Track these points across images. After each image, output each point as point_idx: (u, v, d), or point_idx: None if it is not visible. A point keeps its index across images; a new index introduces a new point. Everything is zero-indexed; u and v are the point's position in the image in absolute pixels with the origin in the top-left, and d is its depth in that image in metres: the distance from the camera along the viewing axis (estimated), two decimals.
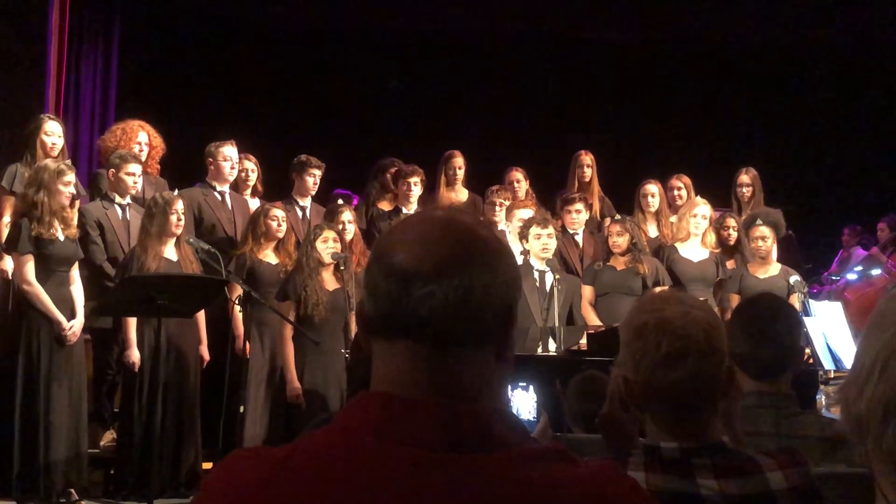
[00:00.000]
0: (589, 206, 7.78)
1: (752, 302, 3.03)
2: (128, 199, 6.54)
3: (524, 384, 4.87)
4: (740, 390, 2.57)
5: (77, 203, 6.32)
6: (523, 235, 6.82)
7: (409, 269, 1.22)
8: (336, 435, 1.23)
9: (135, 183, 6.49)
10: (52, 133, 6.46)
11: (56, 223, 5.76)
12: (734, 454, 2.06)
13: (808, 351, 5.05)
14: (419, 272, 1.21)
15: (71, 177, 5.81)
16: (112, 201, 6.55)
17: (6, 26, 7.85)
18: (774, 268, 7.07)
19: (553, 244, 6.79)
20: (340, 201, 7.28)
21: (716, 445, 2.04)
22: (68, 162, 5.97)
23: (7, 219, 6.29)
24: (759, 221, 7.08)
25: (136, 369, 5.97)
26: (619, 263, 7.00)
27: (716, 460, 2.00)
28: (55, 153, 6.41)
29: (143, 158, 6.89)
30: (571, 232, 7.52)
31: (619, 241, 6.97)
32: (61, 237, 5.81)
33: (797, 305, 6.43)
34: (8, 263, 6.11)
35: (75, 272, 5.95)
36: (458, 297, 1.20)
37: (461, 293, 1.21)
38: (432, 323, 1.20)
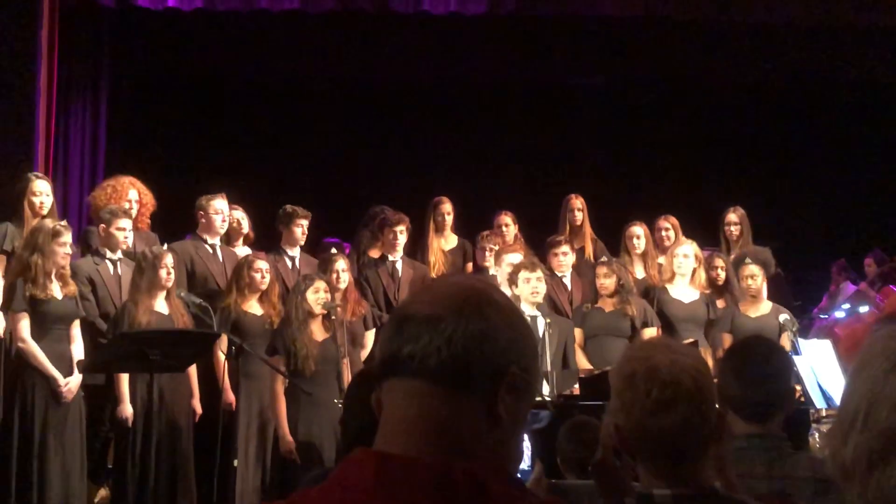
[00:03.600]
0: (576, 249, 7.82)
1: (742, 345, 3.05)
2: (119, 255, 6.55)
3: None
4: (731, 433, 2.58)
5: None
6: (512, 281, 6.83)
7: (407, 313, 1.30)
8: (332, 493, 1.24)
9: (125, 238, 6.51)
10: (40, 192, 6.49)
11: (51, 283, 5.77)
12: (726, 500, 2.07)
13: (798, 389, 5.07)
14: (414, 316, 1.29)
15: (67, 237, 5.84)
16: (103, 257, 6.57)
17: None
18: (765, 306, 7.09)
19: (543, 288, 6.80)
20: (334, 250, 7.30)
21: (708, 492, 2.05)
22: (64, 223, 6.01)
23: None
24: (748, 260, 7.12)
25: (129, 424, 5.95)
26: (608, 305, 7.02)
27: None
28: (44, 212, 6.43)
29: (134, 215, 6.91)
30: (559, 275, 7.53)
31: (607, 282, 7.00)
32: (59, 295, 5.82)
33: (787, 344, 6.45)
34: (0, 323, 6.10)
35: (75, 330, 5.96)
36: (442, 340, 1.26)
37: (445, 338, 1.26)
38: (415, 360, 1.26)
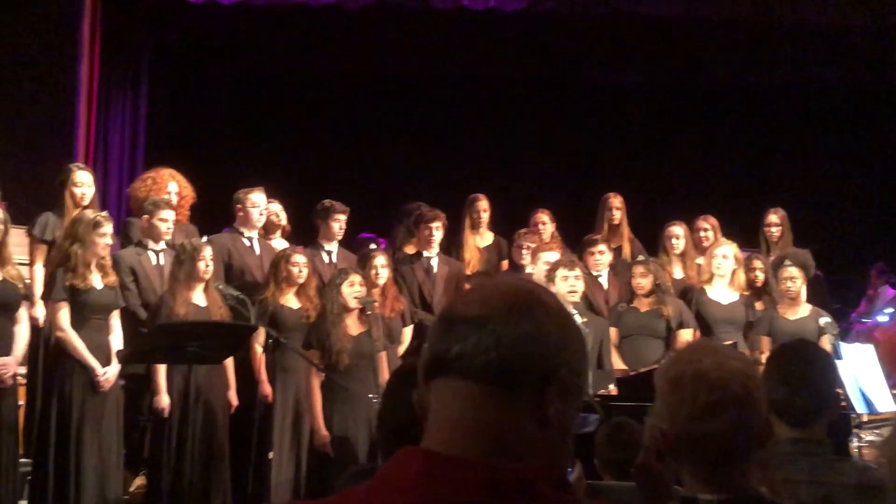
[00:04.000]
0: (613, 248, 7.78)
1: (786, 348, 3.01)
2: (161, 245, 6.60)
3: None
4: (775, 438, 2.56)
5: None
6: (550, 278, 6.79)
7: (455, 315, 1.29)
8: (378, 490, 1.24)
9: (168, 229, 6.56)
10: (82, 183, 6.55)
11: (91, 273, 5.82)
12: None
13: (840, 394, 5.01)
14: (462, 317, 1.28)
15: (107, 228, 5.88)
16: (146, 247, 6.63)
17: (36, 77, 7.99)
18: (804, 309, 7.01)
19: (580, 286, 6.77)
20: (373, 246, 7.31)
21: (754, 497, 2.03)
22: (105, 213, 6.05)
23: (39, 266, 6.37)
24: (787, 262, 7.04)
25: (166, 415, 5.99)
26: (643, 305, 6.98)
27: None
28: (85, 202, 6.49)
29: None
30: (595, 274, 7.50)
31: (643, 282, 6.96)
32: (99, 285, 5.87)
33: (827, 347, 6.36)
34: (40, 311, 6.17)
35: (115, 320, 6.00)
36: (491, 340, 1.25)
37: (494, 339, 1.25)
38: (463, 360, 1.25)
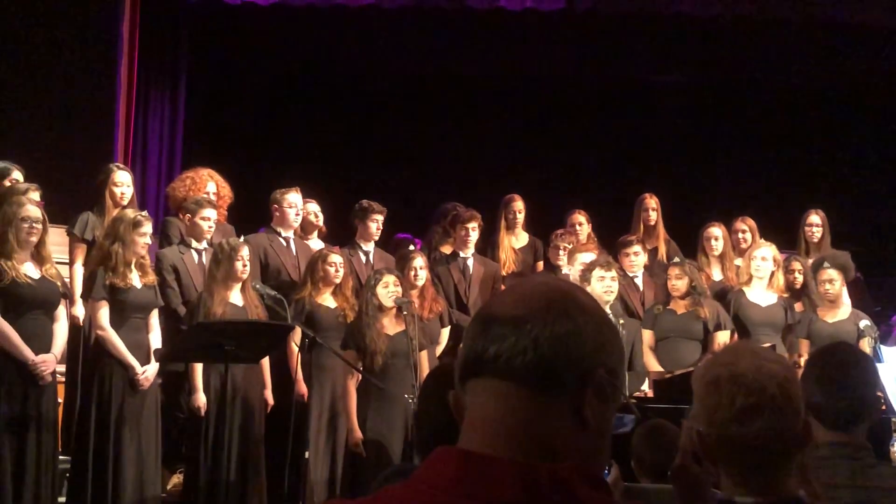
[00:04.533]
0: (649, 249, 7.75)
1: (827, 351, 2.98)
2: (203, 244, 6.65)
3: None
4: (815, 441, 2.53)
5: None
6: (585, 279, 6.77)
7: (493, 314, 1.29)
8: (415, 490, 1.24)
9: (210, 228, 6.62)
10: (122, 183, 6.62)
11: (130, 272, 5.87)
12: None
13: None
14: (499, 318, 1.28)
15: (147, 227, 5.94)
16: (188, 246, 6.69)
17: (76, 78, 8.08)
18: (844, 311, 6.94)
19: (616, 287, 6.75)
20: (412, 247, 7.33)
21: (792, 501, 2.01)
22: (145, 213, 6.10)
23: (79, 265, 6.44)
24: (826, 265, 6.98)
25: (203, 414, 6.03)
26: (679, 307, 6.93)
27: None
28: (125, 202, 6.56)
29: None
30: (631, 275, 7.47)
31: (679, 284, 6.91)
32: (138, 284, 5.92)
33: (867, 350, 6.30)
34: (79, 310, 6.24)
35: (154, 319, 6.05)
36: (528, 340, 1.24)
37: (531, 338, 1.24)
38: (500, 360, 1.25)
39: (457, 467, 1.22)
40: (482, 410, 1.27)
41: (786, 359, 2.41)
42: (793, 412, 2.01)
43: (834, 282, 6.91)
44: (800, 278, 7.30)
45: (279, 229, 7.20)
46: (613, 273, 6.74)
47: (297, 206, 7.20)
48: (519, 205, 7.98)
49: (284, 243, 7.19)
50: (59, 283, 5.77)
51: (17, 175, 6.62)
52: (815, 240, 7.85)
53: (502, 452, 1.23)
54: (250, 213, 7.89)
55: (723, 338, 6.82)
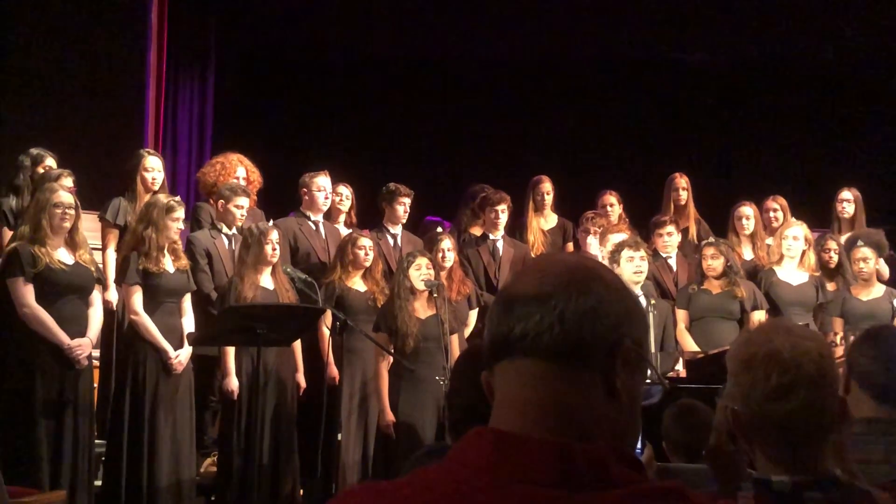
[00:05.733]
0: (681, 229, 7.70)
1: (880, 327, 2.95)
2: (234, 230, 6.68)
3: None
4: (851, 418, 2.51)
5: None
6: (614, 259, 6.74)
7: (515, 293, 1.29)
8: (449, 471, 1.24)
9: (242, 216, 6.66)
10: (153, 168, 6.65)
11: (163, 257, 5.91)
12: (848, 488, 2.01)
13: None
14: (522, 295, 1.28)
15: (180, 212, 5.98)
16: (220, 231, 6.72)
17: (106, 65, 8.13)
18: (878, 289, 6.89)
19: (645, 267, 6.71)
20: (440, 229, 7.33)
21: (828, 478, 2.00)
22: (178, 198, 6.13)
23: (111, 251, 6.49)
24: (860, 242, 6.92)
25: (235, 397, 6.08)
26: (715, 287, 6.89)
27: (829, 495, 1.96)
28: (156, 187, 6.59)
29: None
30: (664, 256, 7.43)
31: (714, 263, 6.87)
32: (171, 269, 5.96)
33: None
34: (112, 295, 6.29)
35: (187, 303, 6.09)
36: (554, 317, 1.25)
37: (557, 314, 1.25)
38: (527, 339, 1.25)
39: (491, 448, 1.22)
40: (512, 391, 1.27)
41: (821, 336, 2.39)
42: (829, 390, 2.00)
43: (868, 260, 6.85)
44: (835, 257, 7.24)
45: (308, 213, 7.22)
46: (642, 253, 6.71)
47: (325, 189, 7.22)
48: (547, 186, 7.95)
49: (314, 227, 7.22)
50: (93, 269, 5.82)
51: (50, 161, 6.67)
52: (848, 216, 7.76)
53: (535, 432, 1.23)
54: (280, 197, 7.92)
55: (759, 317, 6.78)
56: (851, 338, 6.35)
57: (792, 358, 1.97)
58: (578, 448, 1.20)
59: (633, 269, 6.62)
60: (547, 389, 1.25)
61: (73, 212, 5.70)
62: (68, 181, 6.24)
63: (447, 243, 6.78)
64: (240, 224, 6.65)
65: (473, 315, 7.01)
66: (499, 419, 1.27)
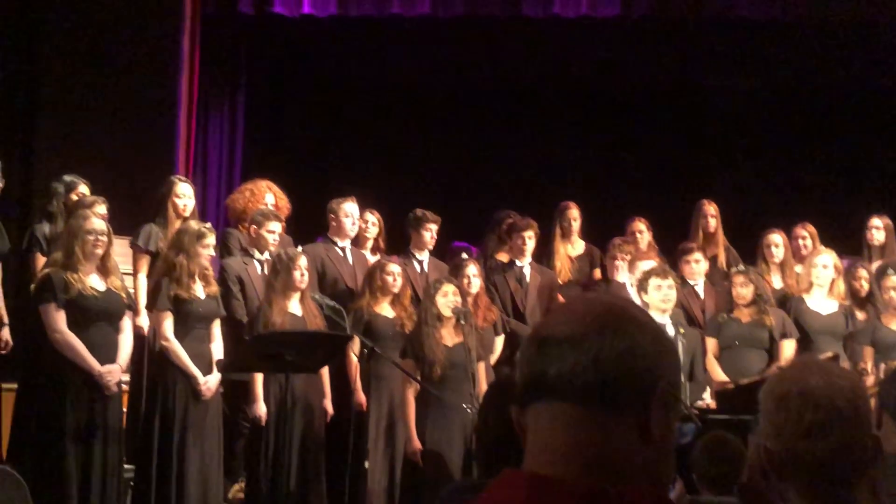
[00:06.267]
0: (710, 256, 7.67)
1: None
2: (266, 255, 6.71)
3: None
4: (884, 456, 2.49)
5: None
6: (642, 287, 6.72)
7: (546, 335, 1.29)
8: None
9: (275, 241, 6.69)
10: (184, 195, 6.72)
11: (194, 283, 5.96)
12: None
13: None
14: (555, 336, 1.27)
15: (211, 239, 6.04)
16: (252, 257, 6.77)
17: (138, 93, 8.21)
18: None
19: (674, 295, 6.68)
20: (465, 255, 7.34)
21: None
22: (209, 225, 6.19)
23: (142, 276, 6.54)
24: (890, 271, 6.86)
25: (263, 423, 6.10)
26: (744, 315, 6.85)
27: None
28: (186, 213, 6.65)
29: None
30: (692, 283, 7.40)
31: (744, 291, 6.83)
32: (202, 295, 6.01)
33: None
34: (144, 321, 6.34)
35: (216, 329, 6.13)
36: (588, 360, 1.24)
37: (592, 356, 1.24)
38: (562, 382, 1.25)
39: (525, 491, 1.22)
40: (546, 434, 1.27)
41: (855, 374, 2.38)
42: (863, 428, 1.99)
43: None
44: (866, 286, 7.17)
45: (336, 239, 7.25)
46: (670, 281, 6.68)
47: (353, 215, 7.25)
48: (574, 213, 7.94)
49: (341, 253, 7.24)
50: (123, 295, 5.88)
51: (83, 188, 6.75)
52: (878, 244, 7.70)
53: (569, 476, 1.23)
54: (308, 224, 7.96)
55: (789, 347, 6.74)
56: (882, 366, 6.32)
57: (826, 396, 1.96)
58: (613, 492, 1.20)
59: (661, 297, 6.59)
60: (581, 434, 1.25)
61: (105, 238, 5.76)
62: (102, 208, 6.31)
63: (472, 269, 6.78)
64: (272, 249, 6.68)
65: (499, 342, 7.00)
66: (532, 462, 1.27)
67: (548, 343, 1.27)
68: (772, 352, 6.74)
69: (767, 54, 9.76)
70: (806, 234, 7.71)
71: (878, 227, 7.72)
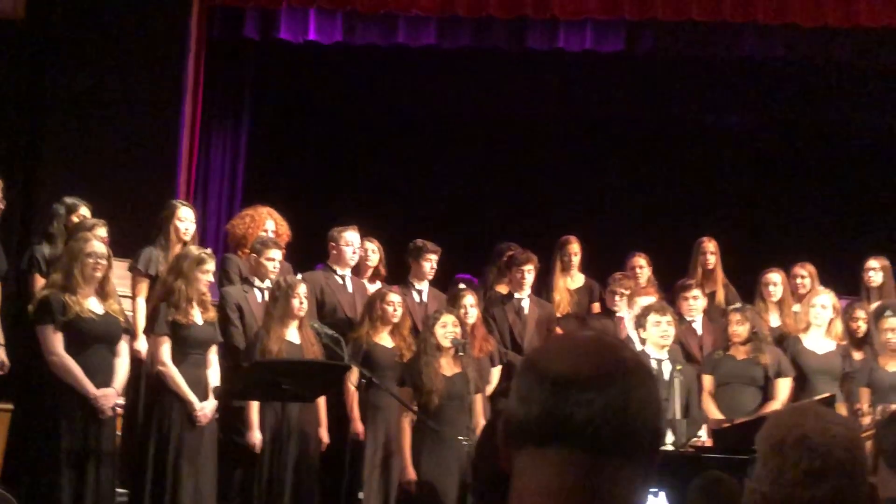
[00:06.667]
0: (709, 293, 7.68)
1: None
2: (267, 283, 6.69)
3: (653, 489, 4.74)
4: (880, 501, 2.49)
5: None
6: (640, 324, 6.73)
7: (568, 376, 1.24)
8: None
9: (275, 268, 6.68)
10: (186, 219, 6.72)
11: (192, 309, 5.96)
12: None
13: None
14: (578, 379, 1.23)
15: (211, 265, 6.04)
16: (252, 285, 6.75)
17: (142, 114, 8.24)
18: None
19: (672, 331, 6.68)
20: (462, 285, 7.34)
21: None
22: (209, 251, 6.20)
23: (141, 300, 6.54)
24: (888, 312, 6.85)
25: (258, 451, 6.07)
26: (740, 353, 6.85)
27: None
28: (187, 238, 6.66)
29: None
30: (689, 319, 7.40)
31: (740, 329, 6.84)
32: (199, 321, 6.00)
33: None
34: (141, 344, 6.33)
35: (213, 355, 6.12)
36: (617, 406, 1.22)
37: (621, 402, 1.22)
38: (590, 429, 1.21)
39: None
40: (545, 479, 1.23)
41: (852, 421, 2.38)
42: (859, 475, 1.99)
43: None
44: (864, 326, 7.18)
45: (336, 267, 7.25)
46: (669, 318, 6.69)
47: (354, 244, 7.25)
48: (574, 247, 7.95)
49: (341, 281, 7.24)
50: (121, 319, 5.88)
51: (84, 210, 6.75)
52: (875, 285, 7.71)
53: None
54: (308, 251, 7.96)
55: (784, 385, 6.74)
56: (879, 408, 6.31)
57: (822, 443, 1.96)
58: None
59: (659, 333, 6.60)
60: (588, 479, 1.22)
61: (105, 262, 5.77)
62: (102, 231, 6.32)
63: (469, 299, 6.79)
64: (273, 277, 6.68)
65: (496, 373, 6.99)
66: None
67: (571, 387, 1.23)
68: (766, 390, 6.73)
69: (769, 93, 9.82)
70: (805, 274, 7.72)
71: (875, 269, 7.73)
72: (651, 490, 4.77)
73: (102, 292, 5.80)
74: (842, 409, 6.39)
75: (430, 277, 7.46)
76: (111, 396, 5.70)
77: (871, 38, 8.60)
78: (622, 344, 1.33)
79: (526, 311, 7.45)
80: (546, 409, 1.24)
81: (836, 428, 2.00)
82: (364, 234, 7.41)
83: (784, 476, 1.97)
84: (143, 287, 6.56)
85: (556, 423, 1.23)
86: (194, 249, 6.13)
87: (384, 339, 6.62)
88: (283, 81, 10.05)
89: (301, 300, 6.24)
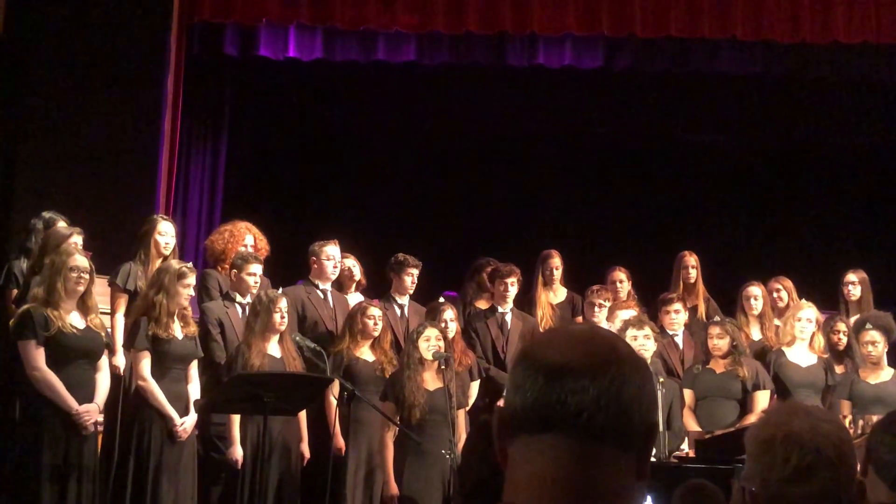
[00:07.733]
0: (690, 307, 7.71)
1: None
2: (248, 299, 6.66)
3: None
4: (868, 502, 2.50)
5: None
6: None
7: (562, 364, 1.24)
8: None
9: (256, 283, 6.65)
10: (166, 233, 6.69)
11: (173, 323, 5.92)
12: None
13: None
14: (571, 367, 1.23)
15: (191, 279, 6.01)
16: (233, 300, 6.72)
17: (121, 129, 8.20)
18: (887, 373, 6.87)
19: (650, 345, 6.70)
20: (442, 299, 7.34)
21: None
22: (190, 265, 6.16)
23: (120, 316, 6.49)
24: (868, 326, 6.92)
25: (239, 466, 6.04)
26: (719, 366, 6.88)
27: None
28: (167, 252, 6.62)
29: None
30: (671, 333, 7.43)
31: (719, 343, 6.86)
32: (179, 335, 5.96)
33: None
34: (120, 360, 6.28)
35: (193, 370, 6.08)
36: (612, 393, 1.22)
37: (615, 389, 1.22)
38: (584, 416, 1.21)
39: None
40: (539, 467, 1.24)
41: (840, 418, 2.39)
42: (847, 473, 2.00)
43: (876, 343, 6.85)
44: (844, 339, 7.23)
45: (317, 281, 7.24)
46: (647, 332, 6.70)
47: (334, 258, 7.24)
48: (556, 261, 7.97)
49: (322, 295, 7.23)
50: (103, 334, 5.84)
51: (62, 225, 6.70)
52: (854, 298, 7.79)
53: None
54: (288, 266, 7.94)
55: (762, 397, 6.76)
56: (860, 421, 6.34)
57: (811, 440, 1.97)
58: None
59: (636, 346, 6.60)
60: (581, 468, 1.22)
61: (87, 276, 5.73)
62: (78, 238, 6.27)
63: (449, 313, 6.80)
64: (254, 292, 6.65)
65: (475, 387, 6.99)
66: (514, 494, 1.25)
67: (566, 375, 1.23)
68: (745, 403, 6.76)
69: (748, 109, 9.89)
70: (780, 288, 7.79)
71: (853, 283, 7.80)
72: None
73: (84, 306, 5.76)
74: None
75: (411, 292, 7.46)
76: (93, 412, 5.65)
77: (849, 53, 8.69)
78: (616, 336, 1.34)
79: (509, 324, 7.45)
80: (540, 396, 1.24)
81: (824, 425, 2.00)
82: (344, 249, 7.40)
83: (773, 473, 1.97)
84: (122, 302, 6.51)
85: (550, 411, 1.23)
86: (175, 263, 6.10)
87: (365, 353, 6.61)
88: (263, 98, 10.05)
89: (282, 314, 6.23)
